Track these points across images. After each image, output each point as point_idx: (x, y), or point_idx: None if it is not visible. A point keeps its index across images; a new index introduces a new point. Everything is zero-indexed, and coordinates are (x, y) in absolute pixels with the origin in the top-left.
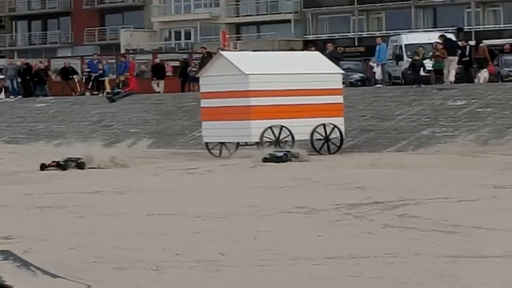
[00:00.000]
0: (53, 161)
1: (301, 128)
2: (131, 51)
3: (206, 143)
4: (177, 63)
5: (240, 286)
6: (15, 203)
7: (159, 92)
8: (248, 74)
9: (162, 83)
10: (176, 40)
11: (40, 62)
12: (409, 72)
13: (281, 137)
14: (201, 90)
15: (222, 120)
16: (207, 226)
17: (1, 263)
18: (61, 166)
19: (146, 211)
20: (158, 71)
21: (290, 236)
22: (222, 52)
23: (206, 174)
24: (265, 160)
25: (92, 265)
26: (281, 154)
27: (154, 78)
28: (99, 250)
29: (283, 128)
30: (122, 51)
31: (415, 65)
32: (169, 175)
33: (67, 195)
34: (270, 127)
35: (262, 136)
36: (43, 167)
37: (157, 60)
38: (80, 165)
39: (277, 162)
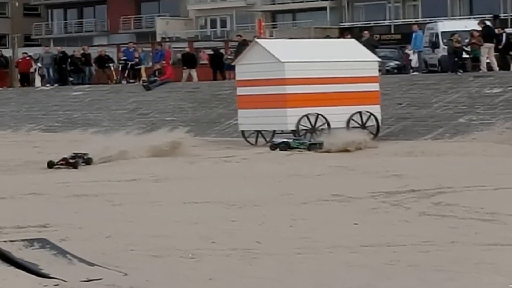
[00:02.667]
0: (63, 158)
1: (337, 116)
2: (167, 39)
3: (242, 131)
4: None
5: (277, 274)
6: (52, 192)
7: (190, 81)
8: (284, 62)
9: (194, 71)
10: (211, 28)
11: (83, 49)
12: (456, 59)
13: (317, 125)
14: (237, 78)
15: (258, 108)
16: (243, 214)
17: (38, 251)
18: (71, 164)
19: (183, 199)
20: (188, 59)
21: (327, 224)
22: (258, 40)
23: (242, 162)
24: (272, 147)
25: (128, 253)
26: (280, 141)
27: (185, 67)
28: (135, 238)
29: (319, 116)
30: (158, 39)
31: (457, 52)
32: (206, 163)
33: (103, 183)
34: (306, 115)
35: (298, 124)
36: (51, 164)
37: (187, 49)
38: (87, 161)
39: (284, 149)
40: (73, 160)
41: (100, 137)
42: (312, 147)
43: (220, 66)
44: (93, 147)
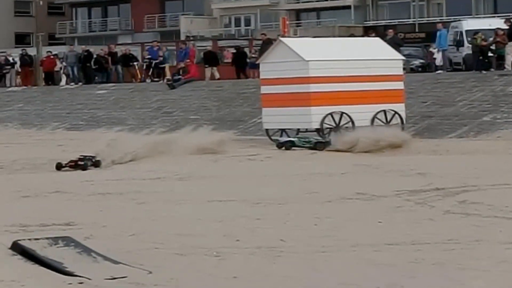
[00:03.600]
0: (71, 161)
1: (362, 114)
2: (191, 38)
3: (266, 130)
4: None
5: (301, 273)
6: (76, 190)
7: (214, 79)
8: (308, 61)
9: (215, 70)
10: (236, 26)
11: (110, 48)
12: (481, 58)
13: (341, 123)
14: (261, 76)
15: (282, 107)
16: (267, 212)
17: (62, 249)
18: (80, 166)
19: (207, 198)
20: (210, 58)
21: (351, 222)
22: (282, 39)
23: (266, 160)
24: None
25: (153, 251)
26: (285, 140)
27: (207, 65)
28: (160, 236)
29: (344, 114)
30: (182, 37)
31: (483, 50)
32: (230, 161)
33: (128, 181)
34: (331, 114)
35: (322, 122)
36: (59, 167)
37: (209, 47)
38: (96, 164)
39: (289, 148)
40: (82, 162)
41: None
42: (318, 145)
43: (243, 65)
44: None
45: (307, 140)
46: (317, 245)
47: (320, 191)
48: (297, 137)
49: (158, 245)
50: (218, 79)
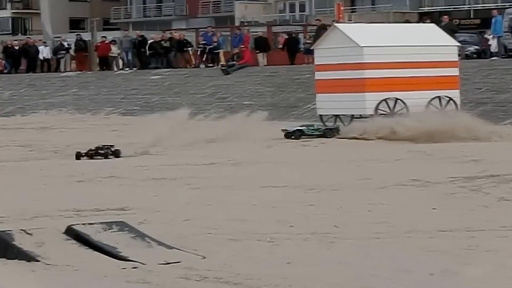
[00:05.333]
0: (90, 150)
1: (416, 100)
2: (246, 24)
3: (320, 116)
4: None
5: (355, 259)
6: (131, 175)
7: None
8: (363, 47)
9: (265, 56)
10: (290, 12)
11: (171, 33)
12: None
13: (395, 109)
14: (316, 62)
15: (336, 93)
16: (321, 198)
17: (117, 234)
18: (102, 154)
19: (261, 183)
20: (260, 44)
21: (405, 209)
22: (336, 25)
23: (320, 146)
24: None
25: (206, 237)
26: (294, 129)
27: (257, 51)
28: (213, 221)
29: (398, 100)
30: (237, 23)
31: None
32: (284, 147)
33: (182, 167)
34: (385, 100)
35: (376, 108)
36: (78, 156)
37: (259, 33)
38: (115, 153)
39: (298, 137)
40: (103, 151)
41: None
42: (327, 133)
43: (294, 51)
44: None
45: (315, 128)
46: (371, 231)
47: (374, 177)
48: (306, 126)
49: (212, 231)
50: (265, 65)
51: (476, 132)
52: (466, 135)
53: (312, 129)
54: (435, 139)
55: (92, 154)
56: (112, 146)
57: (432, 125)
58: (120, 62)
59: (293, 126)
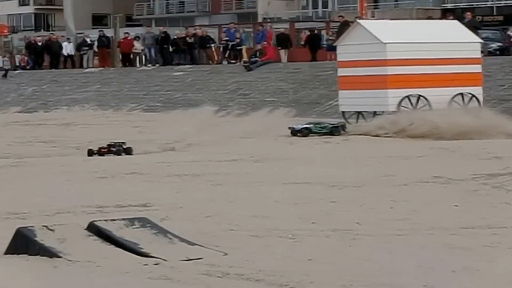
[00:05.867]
0: (102, 147)
1: (439, 97)
2: (268, 20)
3: (343, 112)
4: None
5: (377, 256)
6: (153, 171)
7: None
8: (386, 43)
9: (286, 52)
10: (313, 8)
11: (196, 29)
12: None
13: (418, 106)
14: (338, 59)
15: (359, 89)
16: (343, 195)
17: (138, 230)
18: (112, 152)
19: (283, 180)
20: (282, 40)
21: (427, 206)
22: (359, 21)
23: (342, 143)
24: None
25: (228, 233)
26: (301, 127)
27: (279, 48)
28: (235, 218)
29: (421, 97)
30: (259, 19)
31: None
32: (306, 144)
33: (204, 163)
34: (408, 96)
35: (399, 105)
36: (90, 153)
37: (282, 30)
38: (127, 151)
39: (306, 135)
40: (115, 149)
41: None
42: (334, 130)
43: (316, 47)
44: None
45: (322, 126)
46: (393, 228)
47: (396, 174)
48: (312, 124)
49: (234, 227)
50: (287, 62)
51: (503, 129)
52: (493, 132)
53: (319, 127)
54: (461, 136)
55: (104, 152)
56: (123, 143)
57: (459, 122)
58: (143, 58)
59: (298, 124)
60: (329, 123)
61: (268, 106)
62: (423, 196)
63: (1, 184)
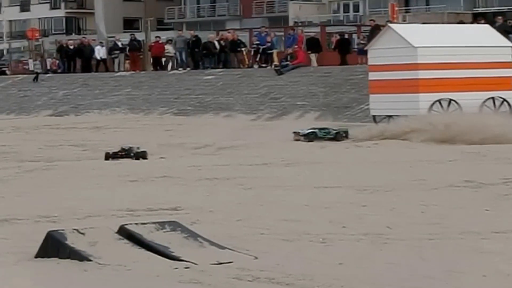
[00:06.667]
0: (118, 151)
1: (470, 101)
2: (300, 24)
3: (374, 116)
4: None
5: (408, 260)
6: (184, 175)
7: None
8: (417, 47)
9: (316, 56)
10: (344, 12)
11: (228, 33)
12: None
13: (449, 110)
14: (369, 62)
15: (390, 93)
16: (374, 199)
17: (169, 234)
18: (129, 156)
19: (313, 184)
20: (312, 44)
21: (458, 210)
22: (390, 25)
23: (373, 147)
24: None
25: (259, 237)
26: (307, 132)
27: (309, 51)
28: (266, 222)
29: (452, 101)
30: (291, 23)
31: None
32: (336, 148)
33: (235, 167)
34: (439, 100)
35: (430, 109)
36: (107, 156)
37: (312, 34)
38: (143, 155)
39: (312, 140)
40: (132, 153)
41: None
42: (338, 136)
43: (345, 51)
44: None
45: (327, 131)
46: (424, 232)
47: (427, 178)
48: (318, 129)
49: (264, 231)
50: (317, 66)
51: None
52: None
53: (324, 132)
54: (490, 141)
55: (120, 156)
56: (138, 147)
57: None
58: (175, 62)
59: (303, 128)
60: (333, 129)
61: (299, 110)
62: (454, 200)
63: (32, 188)
